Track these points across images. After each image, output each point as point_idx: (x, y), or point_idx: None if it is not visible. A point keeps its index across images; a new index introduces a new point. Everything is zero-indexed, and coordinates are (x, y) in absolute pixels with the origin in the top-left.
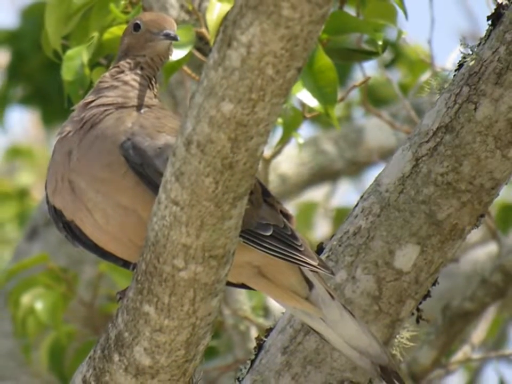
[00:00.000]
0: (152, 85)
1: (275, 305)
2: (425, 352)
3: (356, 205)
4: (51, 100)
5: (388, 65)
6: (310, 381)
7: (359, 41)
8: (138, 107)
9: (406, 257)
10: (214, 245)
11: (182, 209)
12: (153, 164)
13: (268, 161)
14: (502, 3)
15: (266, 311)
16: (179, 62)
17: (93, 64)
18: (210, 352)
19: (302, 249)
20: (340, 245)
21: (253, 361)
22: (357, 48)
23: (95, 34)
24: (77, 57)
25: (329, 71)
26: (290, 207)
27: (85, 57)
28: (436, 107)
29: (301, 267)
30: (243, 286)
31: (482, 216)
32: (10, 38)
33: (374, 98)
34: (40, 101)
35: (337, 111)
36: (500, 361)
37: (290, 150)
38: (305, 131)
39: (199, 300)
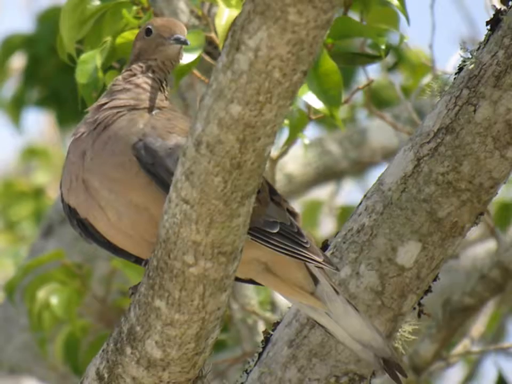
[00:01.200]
0: (163, 87)
1: (282, 300)
2: (427, 345)
3: (360, 204)
4: (66, 102)
5: (391, 69)
6: (316, 373)
7: (362, 45)
8: (150, 109)
9: (408, 253)
10: (222, 242)
11: (192, 207)
12: (164, 163)
13: (274, 161)
14: (500, 9)
15: (273, 306)
16: (189, 66)
17: (106, 67)
18: (219, 345)
19: (307, 246)
20: (344, 242)
21: (260, 354)
22: (360, 52)
23: (108, 38)
24: (90, 61)
25: (334, 74)
26: (296, 205)
27: (99, 61)
28: (437, 109)
29: (307, 263)
30: (251, 281)
31: (481, 214)
32: (27, 43)
33: (377, 100)
34: (55, 103)
35: (341, 112)
36: (499, 354)
37: (296, 150)
38: (311, 132)
39: (208, 295)
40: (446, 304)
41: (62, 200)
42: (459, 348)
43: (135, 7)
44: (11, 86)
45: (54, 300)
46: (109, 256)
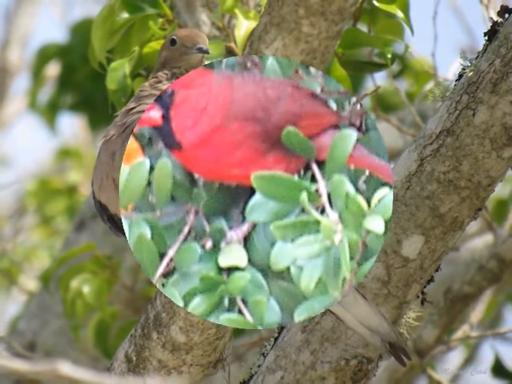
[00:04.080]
0: None
1: None
2: (429, 330)
3: None
4: (97, 106)
5: (396, 76)
6: (327, 356)
7: (370, 54)
8: None
9: (412, 246)
10: None
11: None
12: None
13: None
14: (497, 21)
15: None
16: None
17: (134, 74)
18: (238, 331)
19: None
20: None
21: (276, 339)
22: (368, 60)
23: (136, 48)
24: (120, 69)
25: (344, 81)
26: None
27: (127, 68)
28: (439, 113)
29: None
30: None
31: (479, 209)
32: (61, 52)
33: (384, 105)
34: (87, 107)
35: None
36: (496, 339)
37: None
38: None
39: None
40: (447, 292)
41: (94, 197)
42: (459, 333)
43: (160, 19)
44: (47, 92)
45: (86, 289)
46: None
